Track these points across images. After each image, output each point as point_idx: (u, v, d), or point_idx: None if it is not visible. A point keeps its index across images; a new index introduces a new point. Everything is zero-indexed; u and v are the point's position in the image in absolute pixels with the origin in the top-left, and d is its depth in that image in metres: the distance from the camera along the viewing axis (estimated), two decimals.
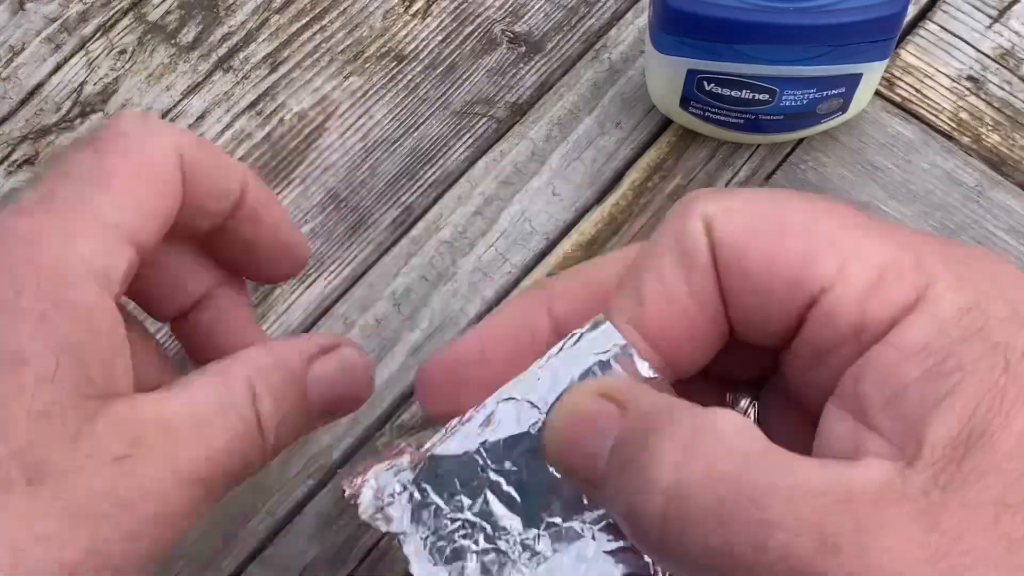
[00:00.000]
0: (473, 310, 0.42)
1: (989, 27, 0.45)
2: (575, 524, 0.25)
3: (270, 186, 0.44)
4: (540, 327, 0.25)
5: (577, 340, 0.24)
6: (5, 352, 0.23)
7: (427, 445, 0.26)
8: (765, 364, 0.25)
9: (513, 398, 0.25)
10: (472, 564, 0.25)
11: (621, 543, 0.24)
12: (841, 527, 0.18)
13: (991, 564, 0.18)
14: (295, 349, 0.28)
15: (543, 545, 0.25)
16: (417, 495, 0.26)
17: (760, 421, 0.26)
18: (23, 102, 0.46)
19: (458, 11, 0.47)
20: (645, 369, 0.24)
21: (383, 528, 0.26)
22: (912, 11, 0.46)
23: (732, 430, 0.20)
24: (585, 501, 0.25)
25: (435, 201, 0.44)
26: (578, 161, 0.44)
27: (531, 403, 0.25)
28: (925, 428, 0.19)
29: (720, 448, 0.20)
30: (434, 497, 0.26)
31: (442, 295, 0.42)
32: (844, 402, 0.21)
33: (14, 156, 0.45)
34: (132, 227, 0.26)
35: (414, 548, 0.25)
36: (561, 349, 0.25)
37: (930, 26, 0.45)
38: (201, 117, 0.45)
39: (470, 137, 0.45)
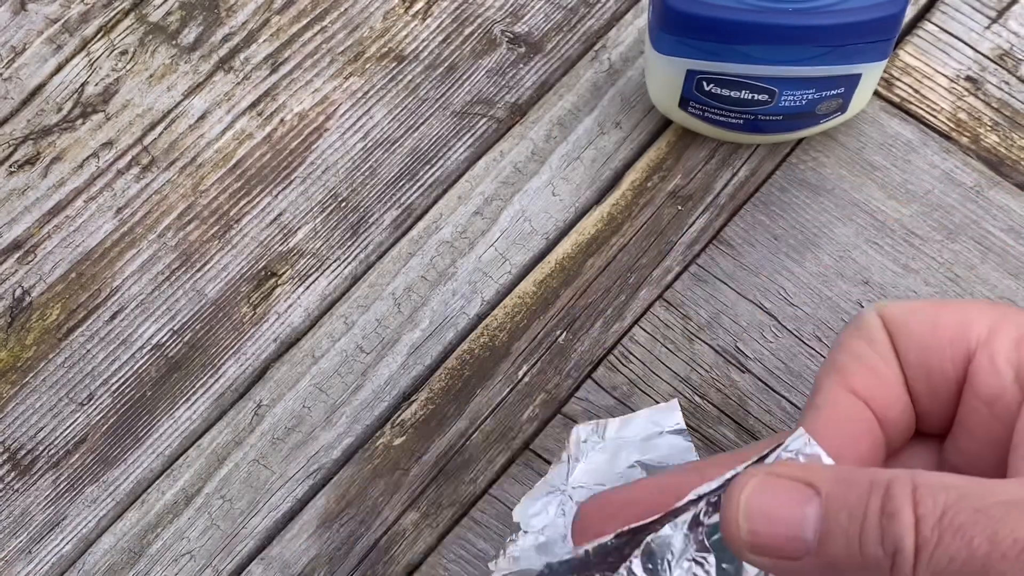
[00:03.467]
0: (473, 310, 0.42)
1: (988, 28, 0.45)
2: None
3: (270, 186, 0.44)
4: (689, 485, 0.28)
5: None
6: None
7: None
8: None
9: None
10: None
11: None
12: None
13: None
14: None
15: None
16: None
17: None
18: (24, 102, 0.46)
19: (458, 11, 0.47)
20: (826, 459, 0.26)
21: None
22: (911, 12, 0.46)
23: (937, 477, 0.23)
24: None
25: (435, 201, 0.44)
26: (578, 161, 0.44)
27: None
28: None
29: (939, 488, 0.23)
30: None
31: (442, 295, 0.42)
32: None
33: (15, 156, 0.45)
34: None
35: None
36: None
37: (929, 27, 0.46)
38: (202, 117, 0.46)
39: (470, 137, 0.45)
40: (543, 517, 0.35)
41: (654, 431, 0.36)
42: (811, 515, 0.24)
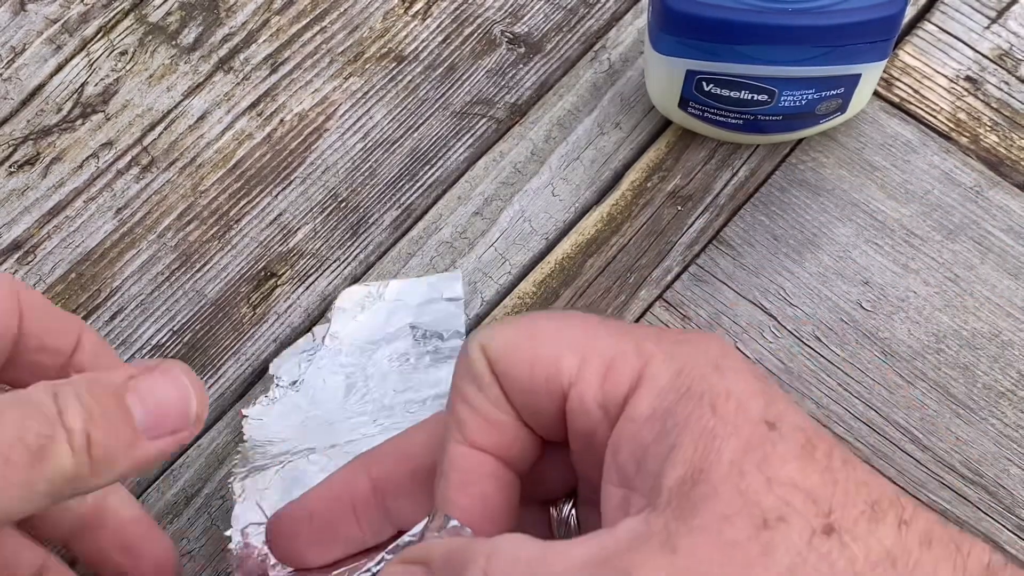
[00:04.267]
0: (473, 310, 0.42)
1: (987, 28, 0.45)
2: None
3: (270, 187, 0.44)
4: (360, 487, 0.31)
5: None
6: None
7: None
8: (572, 476, 0.30)
9: None
10: None
11: None
12: None
13: (723, 567, 0.22)
14: (115, 371, 0.28)
15: None
16: None
17: (580, 524, 0.30)
18: (24, 103, 0.46)
19: (458, 12, 0.47)
20: (453, 525, 0.28)
21: None
22: (910, 12, 0.46)
23: (512, 546, 0.24)
24: None
25: (435, 201, 0.44)
26: (577, 161, 0.44)
27: None
28: (661, 477, 0.24)
29: (507, 562, 0.24)
30: None
31: None
32: (611, 476, 0.26)
33: (15, 157, 0.45)
34: None
35: None
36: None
37: (928, 27, 0.46)
38: (202, 118, 0.46)
39: (470, 137, 0.45)
40: (295, 372, 0.39)
41: (433, 296, 0.41)
42: None
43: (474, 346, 0.28)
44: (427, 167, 0.45)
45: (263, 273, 0.43)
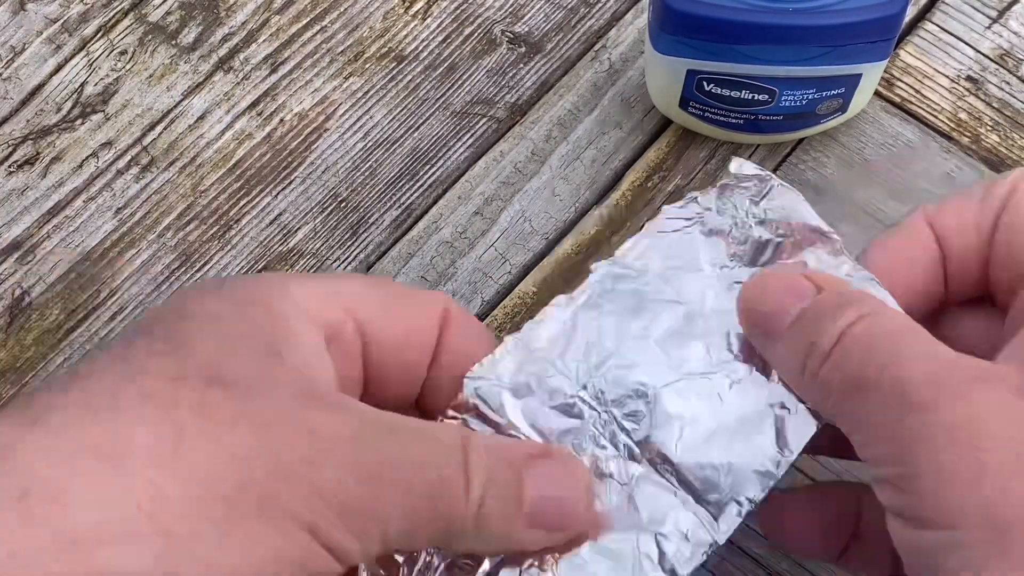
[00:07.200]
0: (473, 310, 0.42)
1: (988, 27, 0.45)
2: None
3: (270, 186, 0.44)
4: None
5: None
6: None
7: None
8: None
9: None
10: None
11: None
12: (950, 375, 0.24)
13: None
14: (515, 443, 0.28)
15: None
16: None
17: None
18: (24, 102, 0.46)
19: (458, 11, 0.47)
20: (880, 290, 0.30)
21: None
22: (911, 11, 0.46)
23: (892, 312, 0.27)
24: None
25: (435, 201, 0.44)
26: (578, 161, 0.44)
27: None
28: None
29: (882, 317, 0.27)
30: None
31: None
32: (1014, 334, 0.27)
33: (15, 156, 0.45)
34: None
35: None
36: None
37: (929, 26, 0.46)
38: (202, 117, 0.46)
39: (470, 137, 0.45)
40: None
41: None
42: (798, 308, 0.28)
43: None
44: (427, 167, 0.45)
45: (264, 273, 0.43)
